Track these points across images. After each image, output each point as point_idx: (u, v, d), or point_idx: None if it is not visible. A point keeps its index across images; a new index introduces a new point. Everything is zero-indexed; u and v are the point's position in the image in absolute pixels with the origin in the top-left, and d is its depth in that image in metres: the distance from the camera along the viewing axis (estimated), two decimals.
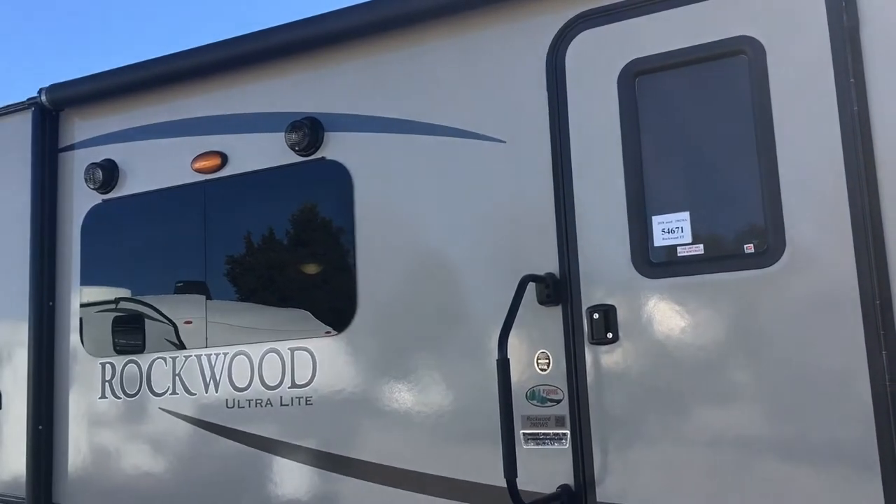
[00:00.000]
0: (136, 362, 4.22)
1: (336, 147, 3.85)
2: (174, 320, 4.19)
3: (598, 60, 3.34)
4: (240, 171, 4.07)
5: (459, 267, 3.55)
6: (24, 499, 4.31)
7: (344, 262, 3.79)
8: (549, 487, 3.22)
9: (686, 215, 3.12)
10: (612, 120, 3.28)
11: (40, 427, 4.34)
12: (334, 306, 3.82)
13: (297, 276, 3.97)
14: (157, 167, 4.28)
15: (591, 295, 3.25)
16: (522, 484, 3.08)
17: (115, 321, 4.35)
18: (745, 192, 3.06)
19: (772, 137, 3.02)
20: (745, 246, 3.04)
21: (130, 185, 4.35)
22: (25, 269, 4.43)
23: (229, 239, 4.08)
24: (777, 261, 2.96)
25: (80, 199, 4.47)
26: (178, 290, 4.25)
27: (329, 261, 3.90)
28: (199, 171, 4.15)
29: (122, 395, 4.23)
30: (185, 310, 4.16)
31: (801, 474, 2.89)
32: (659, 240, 3.16)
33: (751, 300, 3.01)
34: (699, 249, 3.10)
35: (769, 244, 2.99)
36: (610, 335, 3.19)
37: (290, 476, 3.77)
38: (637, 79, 3.26)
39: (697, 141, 3.19)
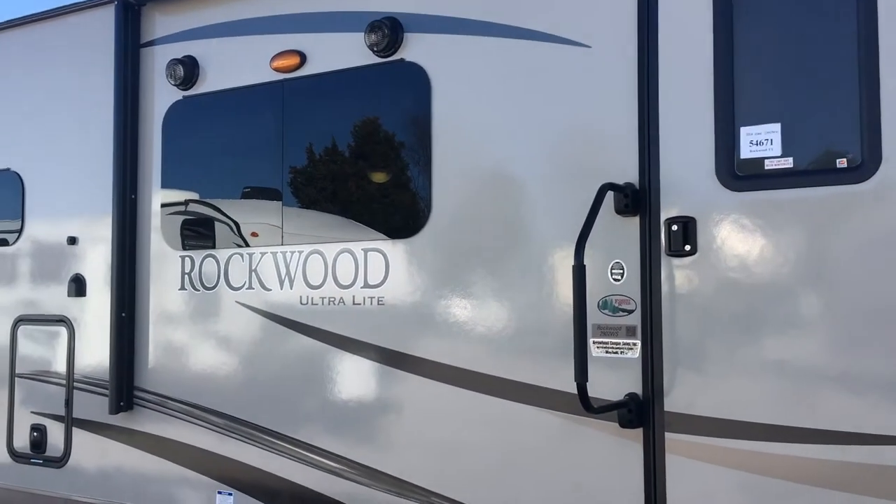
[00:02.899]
0: (214, 257, 4.34)
1: (415, 48, 3.80)
2: (251, 218, 4.28)
3: None
4: (318, 70, 4.06)
5: (536, 174, 3.51)
6: (108, 381, 4.54)
7: (419, 167, 3.79)
8: (615, 395, 3.25)
9: (777, 127, 3.01)
10: (704, 27, 3.15)
11: (123, 314, 4.53)
12: (408, 210, 3.84)
13: (372, 178, 3.98)
14: (236, 65, 4.29)
15: (671, 206, 3.20)
16: (590, 390, 3.10)
17: (194, 216, 4.46)
18: (841, 106, 2.92)
19: (875, 50, 2.86)
20: (838, 160, 2.92)
21: (211, 82, 4.38)
22: (109, 163, 4.55)
23: (305, 139, 4.10)
24: (870, 177, 2.85)
25: (161, 95, 4.53)
26: (255, 188, 4.32)
27: (404, 164, 3.90)
28: (277, 69, 4.15)
29: (201, 288, 4.37)
30: (261, 208, 4.24)
31: (866, 404, 2.84)
32: (746, 152, 3.06)
33: (838, 218, 2.92)
34: (788, 163, 2.99)
35: (863, 159, 2.88)
36: (688, 247, 3.14)
37: (359, 372, 3.88)
38: None
39: (793, 51, 3.04)
